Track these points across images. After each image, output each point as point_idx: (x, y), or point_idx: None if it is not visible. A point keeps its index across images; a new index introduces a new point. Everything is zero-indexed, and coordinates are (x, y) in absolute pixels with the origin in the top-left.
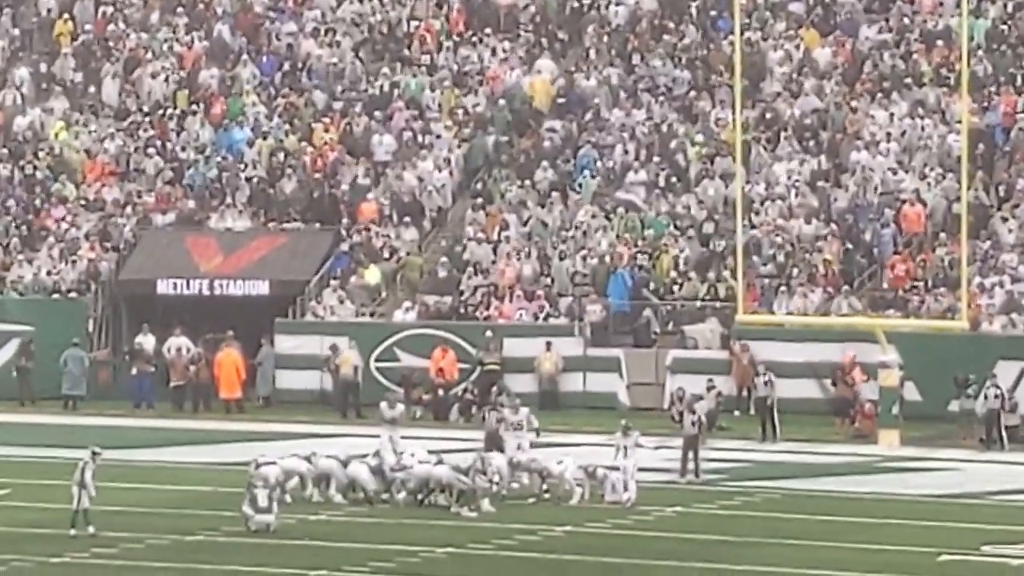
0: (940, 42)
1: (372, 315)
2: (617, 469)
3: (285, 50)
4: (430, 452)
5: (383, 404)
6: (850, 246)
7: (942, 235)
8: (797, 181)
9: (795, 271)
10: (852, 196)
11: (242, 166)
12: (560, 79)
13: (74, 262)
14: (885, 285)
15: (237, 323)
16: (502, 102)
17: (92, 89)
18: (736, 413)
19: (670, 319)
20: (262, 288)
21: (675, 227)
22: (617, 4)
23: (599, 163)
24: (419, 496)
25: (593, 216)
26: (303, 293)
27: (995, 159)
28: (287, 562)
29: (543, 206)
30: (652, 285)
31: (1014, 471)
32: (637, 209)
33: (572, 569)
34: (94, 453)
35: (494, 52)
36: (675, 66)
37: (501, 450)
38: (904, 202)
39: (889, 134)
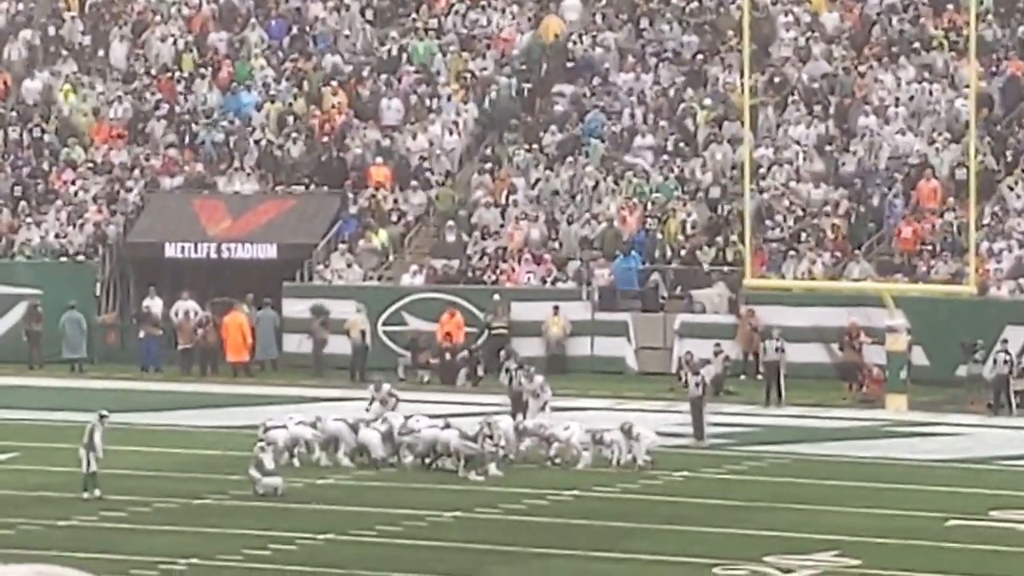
0: (949, 6)
1: (380, 279)
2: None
3: (293, 14)
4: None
5: (370, 387)
6: (861, 210)
7: (950, 200)
8: (805, 146)
9: (803, 236)
10: (860, 161)
11: (250, 130)
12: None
13: (82, 225)
14: (893, 249)
15: (245, 287)
16: (519, 49)
17: (100, 52)
18: (743, 377)
19: (678, 283)
20: (270, 252)
21: (683, 191)
22: None
23: (607, 127)
24: (426, 460)
25: (599, 181)
26: (311, 257)
27: (1009, 122)
28: (295, 526)
29: (551, 170)
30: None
31: (1022, 436)
32: (645, 173)
33: (580, 533)
34: (102, 416)
35: (503, 13)
36: (683, 30)
37: (526, 411)
38: (920, 176)
39: (897, 99)
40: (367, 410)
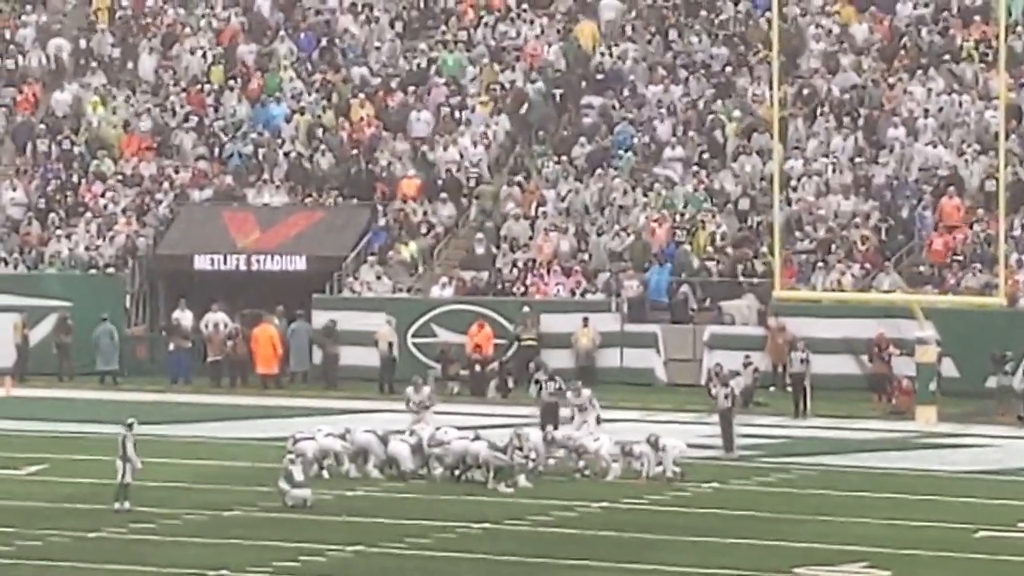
0: (978, 18)
1: (409, 291)
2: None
3: (323, 26)
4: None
5: (409, 389)
6: (891, 221)
7: (979, 211)
8: (835, 157)
9: (833, 247)
10: (890, 172)
11: (279, 142)
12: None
13: (112, 237)
14: (923, 261)
15: (274, 299)
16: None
17: (129, 64)
18: (772, 389)
19: (707, 295)
20: (299, 264)
21: (712, 203)
22: None
23: (636, 139)
24: (456, 472)
25: (626, 192)
26: (340, 269)
27: None
28: (324, 537)
29: (580, 182)
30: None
31: None
32: (674, 185)
33: (608, 545)
34: (129, 425)
35: (531, 25)
36: (713, 42)
37: (556, 423)
38: (943, 194)
39: (927, 110)
40: (408, 405)
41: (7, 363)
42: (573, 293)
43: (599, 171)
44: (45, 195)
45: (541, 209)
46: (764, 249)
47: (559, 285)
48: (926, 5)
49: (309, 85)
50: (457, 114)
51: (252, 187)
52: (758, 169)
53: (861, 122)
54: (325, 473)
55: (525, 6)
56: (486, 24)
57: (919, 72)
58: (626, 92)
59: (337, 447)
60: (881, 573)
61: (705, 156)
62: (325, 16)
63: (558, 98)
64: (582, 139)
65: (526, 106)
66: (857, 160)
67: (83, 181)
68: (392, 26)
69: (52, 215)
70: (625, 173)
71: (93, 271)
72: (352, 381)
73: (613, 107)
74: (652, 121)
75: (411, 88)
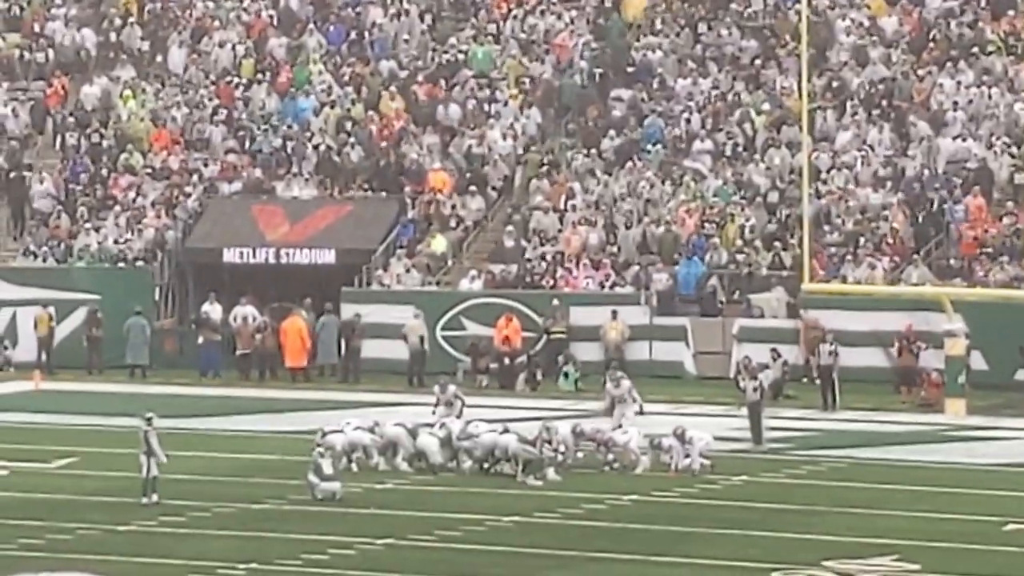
0: (1010, 12)
1: (438, 284)
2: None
3: (352, 19)
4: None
5: (436, 387)
6: (920, 214)
7: (1009, 204)
8: (864, 150)
9: (862, 240)
10: (919, 165)
11: (308, 135)
12: None
13: (141, 231)
14: (952, 254)
15: (303, 292)
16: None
17: (159, 58)
18: (804, 380)
19: (736, 288)
20: (328, 257)
21: (741, 196)
22: None
23: (665, 132)
24: (485, 465)
25: (655, 185)
26: (369, 262)
27: None
28: (353, 530)
29: (609, 174)
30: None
31: None
32: (703, 178)
33: (638, 538)
34: (148, 419)
35: (559, 17)
36: (742, 35)
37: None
38: (977, 182)
39: (956, 103)
40: (433, 412)
41: (36, 357)
42: (602, 286)
43: (628, 164)
44: (75, 188)
45: (570, 202)
46: (793, 241)
47: (588, 278)
48: None
49: (338, 78)
50: (486, 107)
51: (281, 180)
52: (787, 162)
53: (890, 115)
54: (354, 466)
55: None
56: (515, 17)
57: (948, 65)
58: (655, 85)
59: (366, 440)
60: (910, 566)
61: (735, 149)
62: (354, 9)
63: (598, 75)
64: (611, 132)
65: (566, 80)
66: (886, 153)
67: (112, 174)
68: (422, 19)
69: (81, 208)
70: (654, 166)
71: (122, 264)
72: (381, 374)
73: (642, 100)
74: (681, 114)
75: (440, 81)
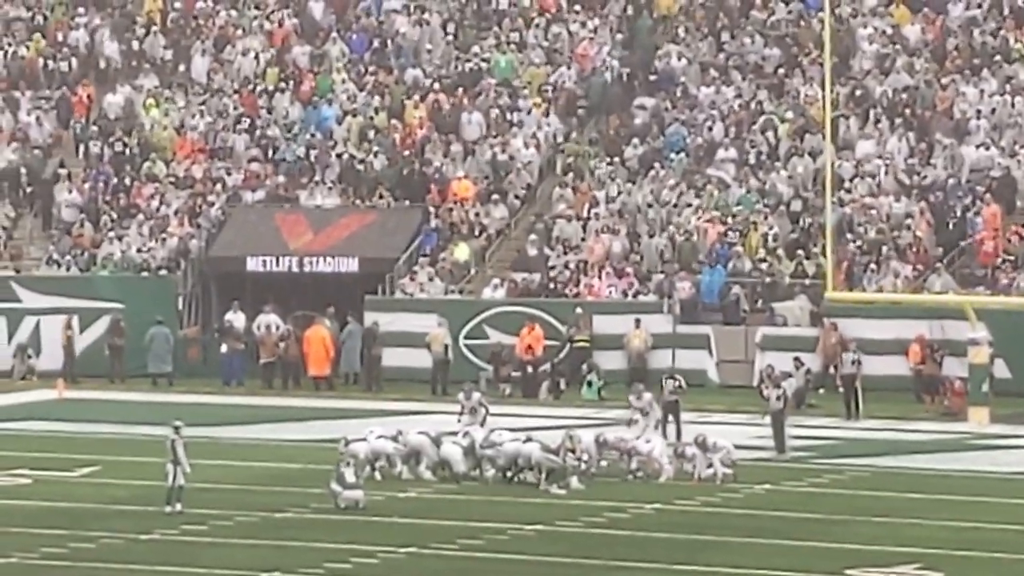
0: None
1: (461, 292)
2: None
3: (375, 27)
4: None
5: (460, 395)
6: (943, 222)
7: None
8: (887, 158)
9: (885, 248)
10: (942, 173)
11: (331, 143)
12: None
13: (164, 239)
14: (975, 262)
15: (326, 300)
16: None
17: (182, 67)
18: (821, 391)
19: (759, 296)
20: (351, 265)
21: (764, 204)
22: None
23: (688, 140)
24: (508, 473)
25: (682, 193)
26: (392, 270)
27: None
28: (376, 539)
29: (632, 183)
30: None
31: None
32: (727, 186)
33: (661, 547)
34: (176, 428)
35: (583, 25)
36: (765, 43)
37: (678, 421)
38: (983, 202)
39: (979, 111)
40: (459, 420)
41: (60, 365)
42: (625, 294)
43: (651, 172)
44: (98, 197)
45: (593, 210)
46: (816, 250)
47: (611, 286)
48: (979, 6)
49: (361, 87)
50: (509, 115)
51: (304, 189)
52: (810, 170)
53: (913, 123)
54: (377, 475)
55: (578, 7)
56: (538, 26)
57: (971, 73)
58: (678, 93)
59: (389, 449)
60: (933, 574)
61: (758, 157)
62: (377, 18)
63: (625, 75)
64: (634, 140)
65: (596, 77)
66: (909, 161)
67: (135, 183)
68: (444, 27)
69: (104, 217)
70: (677, 174)
71: (145, 273)
72: (404, 383)
73: (665, 108)
74: (704, 122)
75: (463, 89)
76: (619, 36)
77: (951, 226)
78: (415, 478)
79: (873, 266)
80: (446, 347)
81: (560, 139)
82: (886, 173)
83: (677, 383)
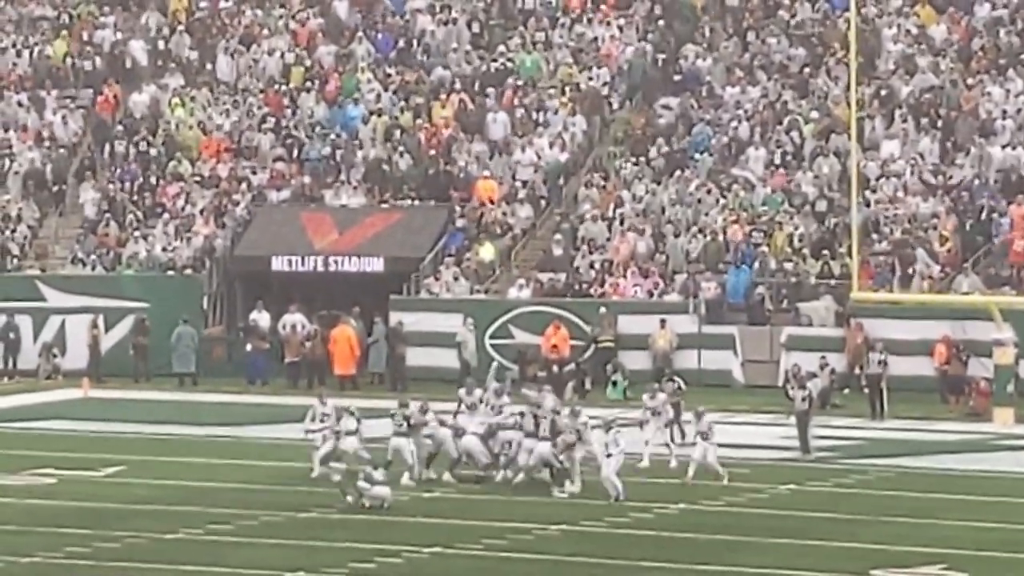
0: None
1: (486, 292)
2: None
3: (400, 27)
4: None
5: (461, 391)
6: (969, 223)
7: None
8: (913, 158)
9: (911, 249)
10: (968, 173)
11: (357, 143)
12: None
13: (189, 239)
14: (1002, 263)
15: (352, 300)
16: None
17: (207, 66)
18: (846, 391)
19: (784, 297)
20: (377, 265)
21: (790, 204)
22: None
23: (714, 140)
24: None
25: (708, 193)
26: (418, 270)
27: None
28: (401, 539)
29: (658, 183)
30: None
31: None
32: (752, 186)
33: (685, 547)
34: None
35: (608, 25)
36: (790, 43)
37: (678, 421)
38: (1011, 202)
39: (1005, 111)
40: (454, 417)
41: (85, 364)
42: (650, 294)
43: (677, 172)
44: (123, 196)
45: (618, 210)
46: (842, 250)
47: (636, 286)
48: (1004, 6)
49: (387, 86)
50: (535, 115)
51: (330, 188)
52: (836, 170)
53: (939, 123)
54: (404, 478)
55: (603, 7)
56: (563, 25)
57: (997, 73)
58: (704, 93)
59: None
60: (958, 575)
61: (783, 157)
62: (403, 17)
63: (660, 60)
64: (659, 140)
65: (627, 66)
66: (935, 161)
67: (161, 182)
68: (470, 27)
69: (130, 217)
70: (703, 174)
71: (171, 272)
72: (430, 383)
73: (691, 108)
74: (730, 122)
75: (489, 89)
76: (648, 36)
77: (970, 228)
78: (438, 478)
79: (899, 266)
80: (472, 348)
81: (581, 138)
82: (912, 173)
83: (677, 385)
